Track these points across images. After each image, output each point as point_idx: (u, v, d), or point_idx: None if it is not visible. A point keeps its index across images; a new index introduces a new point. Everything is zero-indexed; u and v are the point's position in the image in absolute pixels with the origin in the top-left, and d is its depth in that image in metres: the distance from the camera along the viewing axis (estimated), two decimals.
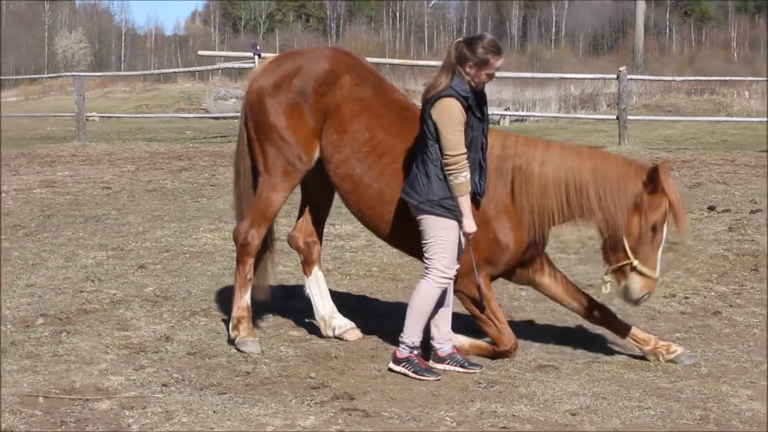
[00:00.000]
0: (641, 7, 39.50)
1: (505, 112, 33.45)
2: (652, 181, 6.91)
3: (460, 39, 6.80)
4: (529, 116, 34.22)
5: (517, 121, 35.10)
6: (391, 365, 6.97)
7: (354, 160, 7.27)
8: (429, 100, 6.72)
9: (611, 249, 7.08)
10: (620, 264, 7.03)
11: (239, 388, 6.62)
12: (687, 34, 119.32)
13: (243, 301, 7.56)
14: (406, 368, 6.89)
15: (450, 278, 6.91)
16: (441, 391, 6.73)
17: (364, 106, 7.29)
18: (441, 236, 6.78)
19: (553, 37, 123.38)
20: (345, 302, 8.51)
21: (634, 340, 7.39)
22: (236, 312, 7.54)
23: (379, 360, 7.31)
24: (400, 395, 6.60)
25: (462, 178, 6.67)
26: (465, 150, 6.68)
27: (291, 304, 8.77)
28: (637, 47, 39.18)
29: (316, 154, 7.42)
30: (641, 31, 39.55)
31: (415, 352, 6.95)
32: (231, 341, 7.60)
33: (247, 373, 6.93)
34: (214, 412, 6.12)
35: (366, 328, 7.97)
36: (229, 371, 6.98)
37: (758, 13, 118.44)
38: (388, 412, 6.23)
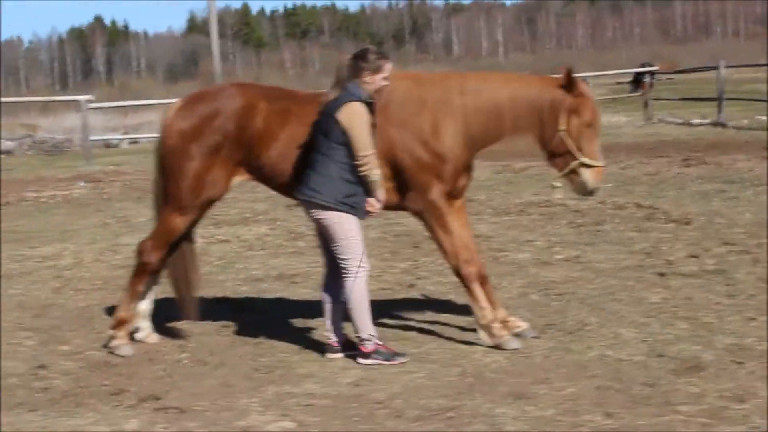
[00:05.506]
0: (215, 40, 42.88)
1: (123, 136, 40.79)
2: (570, 83, 7.70)
3: (348, 56, 7.49)
4: (142, 138, 39.30)
5: (133, 143, 40.24)
6: (361, 360, 7.50)
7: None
8: (333, 107, 7.30)
9: (557, 156, 7.79)
10: (571, 166, 7.74)
11: (45, 403, 6.98)
12: (248, 58, 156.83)
13: (131, 306, 8.24)
14: (377, 359, 7.45)
15: (366, 269, 7.49)
16: (230, 381, 7.31)
17: (287, 115, 7.84)
18: (350, 235, 7.38)
19: (134, 70, 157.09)
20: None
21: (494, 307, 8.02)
22: (122, 314, 8.19)
23: (158, 362, 7.91)
24: (198, 390, 7.14)
25: (375, 175, 7.31)
26: (373, 150, 7.28)
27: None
28: (216, 73, 42.35)
29: (235, 182, 8.04)
30: (218, 59, 42.85)
31: (379, 342, 7.54)
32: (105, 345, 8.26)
33: (45, 389, 7.32)
34: (42, 427, 6.43)
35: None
36: (26, 390, 7.32)
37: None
38: (199, 406, 6.73)
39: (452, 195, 7.90)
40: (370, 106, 7.38)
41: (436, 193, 7.76)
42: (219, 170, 7.91)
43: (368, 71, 7.39)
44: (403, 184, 7.78)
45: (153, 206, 8.45)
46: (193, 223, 8.21)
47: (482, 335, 7.80)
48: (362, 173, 7.28)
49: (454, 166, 7.78)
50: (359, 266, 7.44)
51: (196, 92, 8.47)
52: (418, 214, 7.91)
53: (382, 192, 7.43)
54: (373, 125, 7.41)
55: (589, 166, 7.73)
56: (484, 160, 8.01)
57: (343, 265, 7.47)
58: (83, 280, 11.34)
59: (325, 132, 7.38)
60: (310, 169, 7.47)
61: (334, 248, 7.48)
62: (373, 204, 7.42)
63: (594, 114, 7.74)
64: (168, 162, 8.01)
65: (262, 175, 7.98)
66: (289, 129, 7.81)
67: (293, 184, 7.79)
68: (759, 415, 6.08)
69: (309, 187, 7.43)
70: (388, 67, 7.46)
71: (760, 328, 7.98)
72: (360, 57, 7.43)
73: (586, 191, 7.84)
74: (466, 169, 7.96)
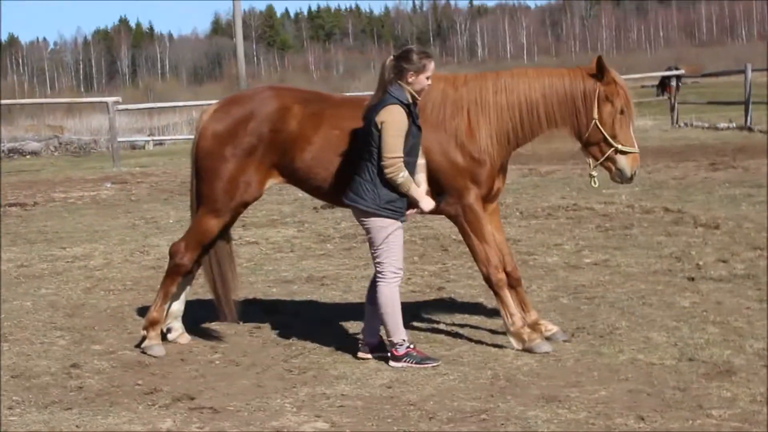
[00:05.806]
0: (240, 42, 43.01)
1: (149, 138, 41.18)
2: (601, 71, 7.75)
3: (391, 57, 7.48)
4: (168, 140, 40.73)
5: (158, 144, 40.76)
6: (392, 363, 7.53)
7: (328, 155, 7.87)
8: (374, 111, 7.32)
9: (592, 144, 7.85)
10: (607, 154, 7.80)
11: (79, 402, 7.04)
12: (272, 61, 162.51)
13: (163, 307, 8.29)
14: (408, 362, 7.48)
15: (401, 276, 7.56)
16: (263, 381, 7.37)
17: (320, 119, 7.90)
18: (389, 240, 7.39)
19: (159, 72, 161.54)
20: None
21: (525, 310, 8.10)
22: (153, 314, 8.25)
23: (191, 362, 7.97)
24: (231, 390, 7.19)
25: (402, 178, 7.27)
26: (402, 154, 7.25)
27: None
28: (241, 75, 42.50)
29: (269, 185, 8.09)
30: (242, 61, 43.00)
31: (411, 345, 7.57)
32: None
33: (79, 387, 7.37)
34: (76, 426, 6.52)
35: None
36: (60, 388, 7.37)
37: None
38: (233, 406, 6.79)
39: (486, 199, 7.93)
40: (411, 109, 7.37)
41: (473, 197, 7.79)
42: (253, 173, 7.96)
43: (411, 72, 7.37)
44: (439, 187, 7.80)
45: (190, 208, 8.50)
46: (227, 226, 8.26)
47: (512, 341, 7.83)
48: (387, 176, 7.29)
49: (491, 169, 7.81)
50: (394, 272, 7.47)
51: (232, 95, 8.56)
52: (452, 218, 7.94)
53: (420, 193, 7.44)
54: (419, 127, 7.45)
55: (624, 153, 7.79)
56: (510, 164, 8.04)
57: (378, 270, 7.50)
58: (114, 280, 11.42)
59: (366, 136, 7.40)
60: (354, 173, 7.49)
61: (373, 252, 7.52)
62: (420, 208, 7.46)
63: (627, 100, 7.79)
64: (202, 164, 8.07)
65: (296, 178, 8.03)
66: (323, 132, 7.85)
67: (327, 186, 7.85)
68: None
69: (353, 192, 7.46)
70: (431, 66, 7.45)
71: None
72: (403, 58, 7.41)
73: (624, 178, 7.89)
74: (502, 170, 7.99)
